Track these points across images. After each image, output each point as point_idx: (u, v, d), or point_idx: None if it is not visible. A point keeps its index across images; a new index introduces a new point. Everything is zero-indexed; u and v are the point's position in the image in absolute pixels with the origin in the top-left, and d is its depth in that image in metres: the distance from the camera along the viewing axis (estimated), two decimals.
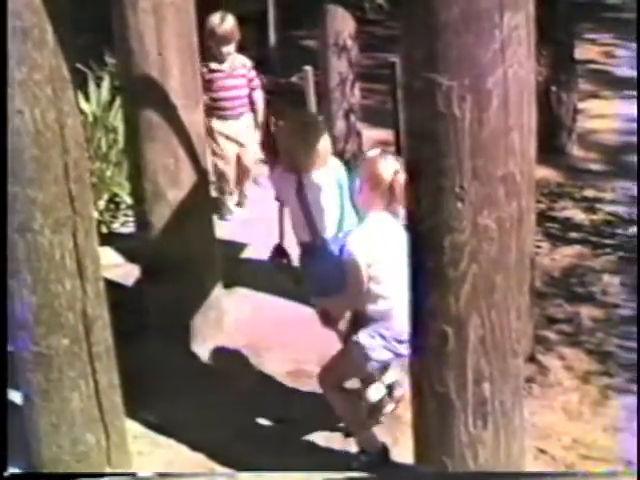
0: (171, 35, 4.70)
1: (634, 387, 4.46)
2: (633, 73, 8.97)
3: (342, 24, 6.99)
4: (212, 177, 5.98)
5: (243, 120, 6.33)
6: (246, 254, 5.98)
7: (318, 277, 4.31)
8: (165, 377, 4.67)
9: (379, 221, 3.91)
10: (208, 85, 6.11)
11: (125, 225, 6.28)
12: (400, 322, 3.57)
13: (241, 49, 6.34)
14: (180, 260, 4.86)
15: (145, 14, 4.62)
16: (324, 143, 4.33)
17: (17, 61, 3.44)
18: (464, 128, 2.72)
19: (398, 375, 4.38)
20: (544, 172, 6.76)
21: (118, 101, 6.10)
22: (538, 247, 5.66)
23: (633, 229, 6.07)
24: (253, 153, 6.53)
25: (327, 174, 4.31)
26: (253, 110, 6.37)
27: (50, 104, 3.55)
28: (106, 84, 6.71)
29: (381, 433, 4.19)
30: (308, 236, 4.36)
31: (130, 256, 5.78)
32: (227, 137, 6.33)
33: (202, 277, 5.06)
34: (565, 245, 5.99)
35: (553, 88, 7.25)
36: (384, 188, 3.86)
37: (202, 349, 5.02)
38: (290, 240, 4.55)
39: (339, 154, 5.18)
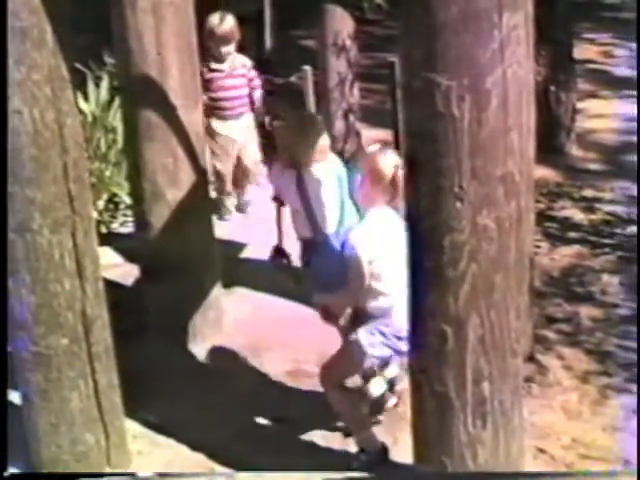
0: (170, 35, 4.70)
1: (633, 387, 4.46)
2: (632, 73, 8.97)
3: (341, 24, 6.99)
4: (211, 177, 5.98)
5: (243, 120, 6.31)
6: (245, 254, 5.98)
7: (320, 273, 4.30)
8: (164, 377, 4.67)
9: (380, 217, 3.90)
10: (208, 85, 6.10)
11: (124, 225, 6.28)
12: (400, 319, 3.57)
13: (241, 49, 6.33)
14: (179, 260, 4.86)
15: (144, 14, 4.61)
16: (323, 137, 4.33)
17: (16, 61, 3.44)
18: (463, 128, 2.72)
19: (398, 370, 4.39)
20: (543, 172, 6.76)
21: (117, 101, 6.09)
22: (537, 247, 5.66)
23: (632, 229, 6.07)
24: (253, 153, 6.51)
25: (327, 169, 4.31)
26: (253, 110, 6.35)
27: (49, 104, 3.55)
28: (105, 84, 6.70)
29: (381, 433, 4.19)
30: (309, 232, 4.34)
31: (129, 256, 5.77)
32: (226, 137, 6.31)
33: (201, 277, 5.06)
34: (564, 245, 5.99)
35: (552, 88, 7.24)
36: (386, 183, 3.85)
37: (201, 349, 5.02)
38: (289, 241, 4.55)
39: (338, 154, 5.18)
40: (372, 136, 7.39)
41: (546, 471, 3.96)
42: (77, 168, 3.71)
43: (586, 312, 5.20)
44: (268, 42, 4.21)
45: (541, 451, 4.10)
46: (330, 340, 4.31)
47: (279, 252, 4.56)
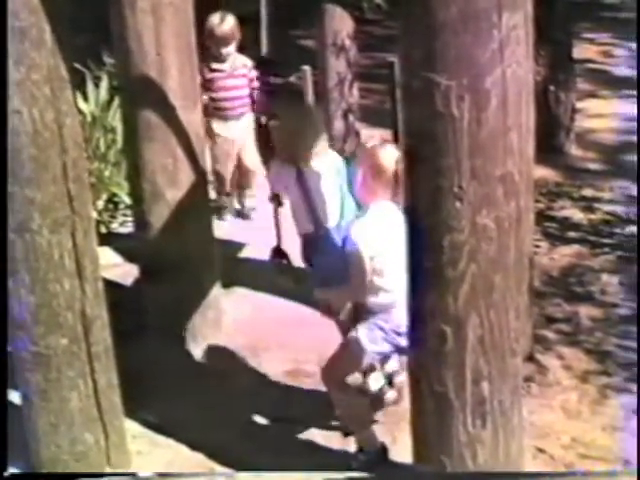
0: (169, 35, 4.70)
1: (633, 386, 4.47)
2: (631, 72, 8.98)
3: (340, 24, 6.99)
4: (210, 177, 5.97)
5: (244, 121, 6.28)
6: (245, 254, 5.98)
7: (321, 268, 4.29)
8: (164, 377, 4.67)
9: (382, 212, 3.88)
10: (209, 85, 6.08)
11: (124, 225, 6.28)
12: (399, 314, 3.56)
13: (241, 49, 6.30)
14: (179, 260, 4.86)
15: (143, 14, 4.61)
16: (320, 130, 4.33)
17: (15, 61, 3.44)
18: (462, 128, 2.72)
19: (397, 364, 4.39)
20: (542, 172, 6.76)
21: (116, 101, 6.09)
22: (537, 247, 5.66)
23: (631, 228, 6.08)
24: (254, 154, 6.49)
25: (326, 163, 4.31)
26: (254, 110, 6.33)
27: (48, 104, 3.55)
28: (104, 84, 6.70)
29: (380, 432, 4.19)
30: (310, 226, 4.32)
31: (129, 256, 5.77)
32: (227, 138, 6.29)
33: (201, 277, 5.06)
34: (564, 244, 5.99)
35: (551, 88, 7.25)
36: (387, 177, 3.83)
37: (201, 349, 5.02)
38: (289, 241, 4.55)
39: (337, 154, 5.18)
40: (372, 136, 7.40)
41: (546, 471, 3.96)
42: (76, 168, 3.71)
43: (585, 312, 5.20)
44: (264, 42, 4.20)
45: (541, 451, 4.10)
46: (330, 340, 4.31)
47: (278, 253, 4.56)
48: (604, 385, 4.56)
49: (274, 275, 4.69)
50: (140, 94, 4.78)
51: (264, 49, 4.38)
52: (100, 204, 6.20)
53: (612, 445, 4.16)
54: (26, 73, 3.46)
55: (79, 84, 5.53)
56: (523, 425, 3.24)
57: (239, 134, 6.29)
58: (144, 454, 4.23)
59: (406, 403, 3.24)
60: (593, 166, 7.36)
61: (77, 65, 4.61)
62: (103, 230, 6.05)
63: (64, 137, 3.62)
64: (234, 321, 5.25)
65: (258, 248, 5.19)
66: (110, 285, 4.39)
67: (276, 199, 4.48)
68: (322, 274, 4.26)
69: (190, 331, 5.03)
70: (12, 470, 3.96)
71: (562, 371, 4.69)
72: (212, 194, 6.12)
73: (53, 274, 3.71)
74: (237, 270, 5.67)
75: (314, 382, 4.48)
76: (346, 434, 4.24)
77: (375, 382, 4.44)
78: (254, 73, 6.27)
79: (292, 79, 7.10)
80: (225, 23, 6.09)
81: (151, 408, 4.45)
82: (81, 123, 4.07)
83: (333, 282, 4.06)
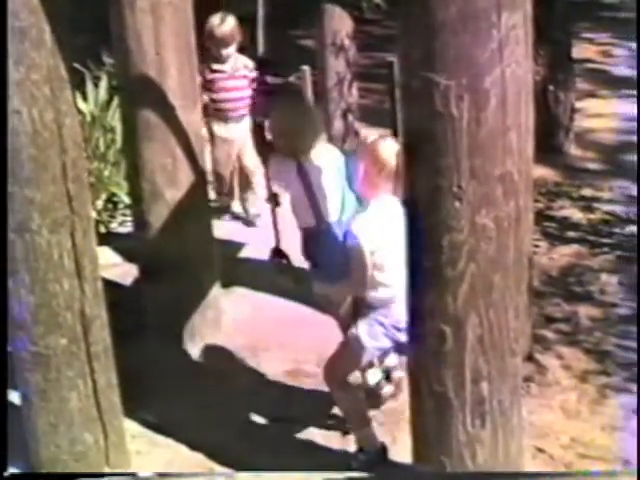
0: (169, 35, 4.70)
1: (632, 386, 4.47)
2: (631, 72, 8.98)
3: (340, 24, 6.99)
4: (210, 177, 5.96)
5: (244, 122, 6.23)
6: (244, 254, 5.98)
7: (322, 262, 4.27)
8: (163, 377, 4.67)
9: (383, 207, 3.87)
10: (210, 86, 6.05)
11: (123, 225, 6.28)
12: (399, 309, 3.56)
13: (241, 50, 6.28)
14: (178, 260, 4.86)
15: (143, 14, 4.61)
16: (319, 125, 4.33)
17: (15, 61, 3.44)
18: (462, 127, 2.72)
19: (395, 359, 4.40)
20: (542, 171, 6.77)
21: (116, 101, 6.09)
22: (536, 246, 5.67)
23: (631, 228, 6.08)
24: (254, 155, 6.45)
25: (327, 158, 4.30)
26: (252, 112, 6.28)
27: (48, 104, 3.55)
28: (104, 84, 6.70)
29: (380, 432, 4.19)
30: (312, 219, 4.31)
31: (128, 256, 5.77)
32: (227, 139, 6.27)
33: (200, 277, 5.06)
34: (563, 244, 5.99)
35: (551, 87, 7.25)
36: (389, 171, 3.82)
37: (200, 349, 5.02)
38: (288, 241, 4.54)
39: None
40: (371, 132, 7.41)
41: (545, 471, 3.96)
42: (76, 168, 3.71)
43: (585, 311, 5.21)
44: (261, 42, 4.20)
45: (540, 451, 4.10)
46: (330, 340, 4.31)
47: (278, 253, 4.55)
48: (603, 385, 4.56)
49: (274, 275, 4.68)
50: (139, 94, 4.78)
51: (260, 49, 4.37)
52: (99, 204, 6.20)
53: (611, 445, 4.17)
54: (26, 73, 3.46)
55: (78, 84, 5.54)
56: (522, 425, 3.25)
57: (239, 135, 6.26)
58: (143, 454, 4.23)
59: (406, 403, 3.24)
60: (592, 166, 7.36)
61: (77, 65, 4.61)
62: (102, 230, 6.05)
63: (63, 137, 3.62)
64: (234, 321, 5.25)
65: (258, 248, 5.19)
66: (109, 285, 4.39)
67: (273, 199, 4.46)
68: (323, 268, 4.25)
69: (190, 331, 5.03)
70: (12, 470, 3.96)
71: (561, 371, 4.69)
72: (212, 194, 6.11)
73: (52, 274, 3.71)
74: (237, 270, 5.67)
75: (314, 382, 4.48)
76: (345, 432, 4.24)
77: (372, 377, 4.45)
78: (255, 74, 6.25)
79: (291, 79, 7.10)
80: (225, 24, 6.05)
81: (150, 408, 4.45)
82: (80, 123, 4.07)
83: (334, 276, 4.06)
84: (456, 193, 2.78)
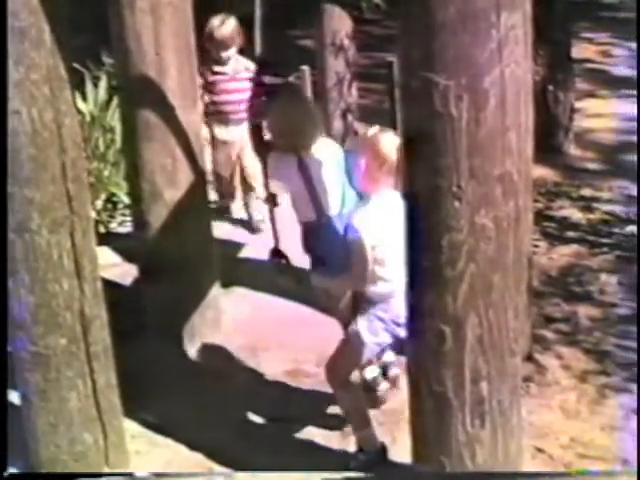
0: (168, 35, 4.70)
1: (632, 386, 4.47)
2: (630, 72, 8.99)
3: (339, 24, 7.00)
4: (210, 178, 5.95)
5: (245, 125, 6.21)
6: (244, 254, 5.98)
7: (322, 256, 4.26)
8: (163, 377, 4.67)
9: (384, 201, 3.86)
10: (210, 88, 6.00)
11: (123, 225, 6.28)
12: (398, 304, 3.56)
13: (241, 51, 6.25)
14: (178, 260, 4.86)
15: (142, 14, 4.61)
16: (318, 120, 4.33)
17: (15, 61, 3.44)
18: (461, 127, 2.72)
19: (392, 356, 4.40)
20: (541, 171, 6.77)
21: (115, 101, 6.09)
22: (535, 246, 5.67)
23: (630, 228, 6.08)
24: (254, 158, 6.43)
25: (326, 151, 4.30)
26: (249, 115, 6.25)
27: (47, 104, 3.55)
28: (103, 84, 6.70)
29: (380, 432, 4.19)
30: (312, 213, 4.30)
31: (128, 256, 5.77)
32: (227, 141, 6.25)
33: (200, 277, 5.06)
34: (562, 244, 5.99)
35: (550, 87, 7.25)
36: (390, 165, 3.80)
37: (200, 349, 5.02)
38: (288, 241, 4.54)
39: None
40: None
41: (545, 471, 3.96)
42: (75, 168, 3.71)
43: (584, 311, 5.20)
44: (258, 42, 4.19)
45: (539, 451, 4.10)
46: (330, 340, 4.31)
47: (277, 253, 4.54)
48: (603, 385, 4.56)
49: (273, 275, 4.69)
50: (139, 94, 4.78)
51: (258, 49, 4.37)
52: (99, 204, 6.20)
53: (611, 445, 4.16)
54: (25, 73, 3.46)
55: (78, 84, 5.53)
56: (522, 425, 3.25)
57: (239, 137, 6.23)
58: (143, 454, 4.23)
59: (405, 403, 3.24)
60: (592, 166, 7.36)
61: (76, 65, 4.61)
62: (102, 230, 6.05)
63: (63, 137, 3.62)
64: (233, 321, 5.25)
65: (257, 248, 5.19)
66: (109, 285, 4.39)
67: (271, 199, 4.45)
68: (323, 262, 4.24)
69: (189, 331, 5.03)
70: (12, 470, 3.96)
71: (561, 371, 4.69)
72: (212, 195, 6.10)
73: (52, 274, 3.71)
74: (236, 270, 5.67)
75: (313, 382, 4.48)
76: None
77: (369, 372, 4.45)
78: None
79: (291, 79, 7.10)
80: (225, 26, 5.97)
81: (150, 408, 4.45)
82: (80, 123, 4.07)
83: (334, 270, 4.05)
84: (455, 193, 2.78)
